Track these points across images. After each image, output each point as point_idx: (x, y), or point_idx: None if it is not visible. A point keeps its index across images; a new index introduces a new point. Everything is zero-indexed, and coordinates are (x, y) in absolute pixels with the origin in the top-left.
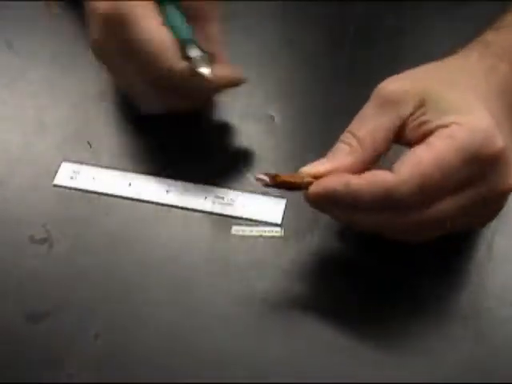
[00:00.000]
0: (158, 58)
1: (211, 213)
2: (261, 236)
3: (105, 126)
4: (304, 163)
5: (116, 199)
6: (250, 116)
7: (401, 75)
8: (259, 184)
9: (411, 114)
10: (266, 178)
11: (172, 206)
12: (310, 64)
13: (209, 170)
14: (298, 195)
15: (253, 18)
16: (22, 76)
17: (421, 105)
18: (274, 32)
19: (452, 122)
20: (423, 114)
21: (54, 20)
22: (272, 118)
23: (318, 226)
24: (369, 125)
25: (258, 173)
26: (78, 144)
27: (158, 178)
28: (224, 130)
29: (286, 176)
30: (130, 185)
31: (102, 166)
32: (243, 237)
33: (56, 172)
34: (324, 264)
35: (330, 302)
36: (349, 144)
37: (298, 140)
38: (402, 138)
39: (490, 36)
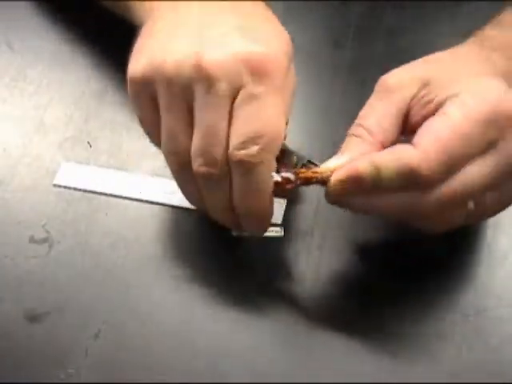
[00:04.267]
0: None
1: None
2: (261, 236)
3: (105, 126)
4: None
5: (116, 199)
6: None
7: (401, 67)
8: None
9: (415, 96)
10: (292, 176)
11: (172, 206)
12: (310, 64)
13: None
14: (298, 195)
15: None
16: (22, 76)
17: (424, 86)
18: None
19: (461, 90)
20: (428, 93)
21: (54, 20)
22: None
23: (318, 226)
24: (374, 113)
25: (281, 172)
26: (78, 144)
27: (158, 178)
28: None
29: (306, 172)
30: (130, 185)
31: (101, 166)
32: (243, 236)
33: (56, 172)
34: (324, 264)
35: (330, 301)
36: (358, 135)
37: (298, 140)
38: (409, 122)
39: (487, 31)
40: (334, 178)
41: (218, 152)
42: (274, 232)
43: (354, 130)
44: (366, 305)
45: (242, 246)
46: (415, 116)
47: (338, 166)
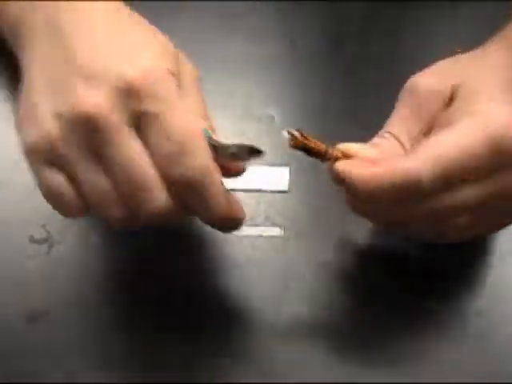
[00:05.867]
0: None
1: None
2: (261, 236)
3: None
4: (304, 163)
5: None
6: (250, 116)
7: (429, 70)
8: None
9: (441, 110)
10: (298, 134)
11: None
12: (310, 64)
13: None
14: (298, 194)
15: (253, 17)
16: (22, 76)
17: (451, 95)
18: (274, 32)
19: (481, 111)
20: (454, 104)
21: None
22: (272, 118)
23: (318, 226)
24: (403, 123)
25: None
26: None
27: None
28: (224, 130)
29: (312, 140)
30: None
31: None
32: (243, 236)
33: None
34: (324, 264)
35: (330, 301)
36: (387, 138)
37: None
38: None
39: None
40: (338, 166)
41: (152, 178)
42: (274, 232)
43: (382, 135)
44: (366, 305)
45: (242, 246)
46: (437, 122)
47: (350, 151)
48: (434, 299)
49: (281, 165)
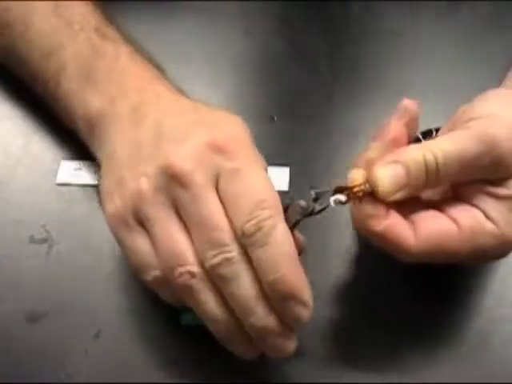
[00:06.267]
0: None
1: None
2: None
3: None
4: (304, 163)
5: None
6: (250, 116)
7: (505, 119)
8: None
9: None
10: (343, 198)
11: None
12: (310, 64)
13: None
14: (298, 194)
15: (253, 18)
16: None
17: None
18: (273, 32)
19: (495, 222)
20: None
21: None
22: (272, 118)
23: (318, 227)
24: (458, 174)
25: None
26: (78, 143)
27: None
28: None
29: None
30: None
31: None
32: None
33: (56, 172)
34: (324, 264)
35: (329, 301)
36: (428, 180)
37: (299, 140)
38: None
39: None
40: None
41: (226, 236)
42: None
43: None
44: (365, 305)
45: None
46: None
47: (385, 177)
48: (433, 300)
49: (281, 165)
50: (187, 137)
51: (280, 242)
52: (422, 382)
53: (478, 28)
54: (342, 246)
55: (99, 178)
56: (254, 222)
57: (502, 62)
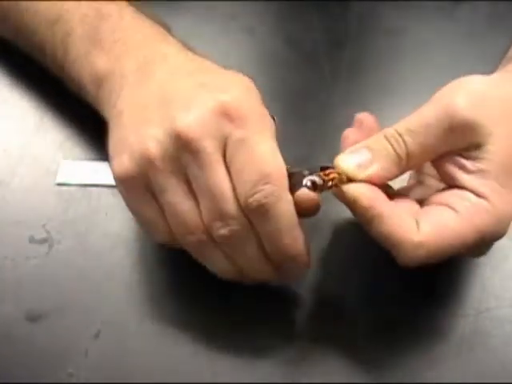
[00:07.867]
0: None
1: None
2: None
3: (105, 125)
4: (304, 163)
5: (116, 199)
6: None
7: (475, 98)
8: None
9: (463, 150)
10: (317, 179)
11: None
12: (310, 64)
13: None
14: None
15: (253, 18)
16: (22, 76)
17: (475, 148)
18: (274, 32)
19: (486, 197)
20: (469, 159)
21: None
22: (272, 117)
23: (319, 227)
24: (424, 144)
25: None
26: (78, 143)
27: None
28: None
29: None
30: None
31: (102, 161)
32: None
33: (56, 172)
34: (324, 264)
35: (329, 301)
36: (396, 153)
37: (299, 140)
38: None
39: None
40: (352, 192)
41: (231, 208)
42: None
43: (394, 140)
44: (364, 305)
45: None
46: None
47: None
48: (433, 300)
49: None
50: (194, 101)
51: (281, 216)
52: (422, 381)
53: (478, 28)
54: (341, 245)
55: (108, 136)
56: (256, 196)
57: None
